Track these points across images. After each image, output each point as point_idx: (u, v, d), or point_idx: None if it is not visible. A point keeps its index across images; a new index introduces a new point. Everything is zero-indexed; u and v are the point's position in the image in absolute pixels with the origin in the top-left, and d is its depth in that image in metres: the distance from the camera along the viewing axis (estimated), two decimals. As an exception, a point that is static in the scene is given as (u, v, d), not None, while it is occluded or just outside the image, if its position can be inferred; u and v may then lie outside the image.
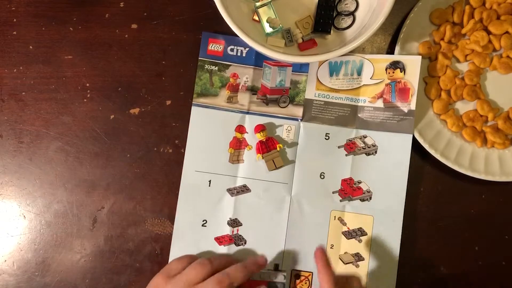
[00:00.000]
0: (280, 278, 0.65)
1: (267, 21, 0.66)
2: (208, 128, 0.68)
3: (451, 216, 0.69)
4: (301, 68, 0.68)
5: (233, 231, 0.67)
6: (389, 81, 0.67)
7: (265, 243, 0.67)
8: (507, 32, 0.68)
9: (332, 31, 0.67)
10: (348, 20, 0.67)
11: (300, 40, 0.67)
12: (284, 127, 0.68)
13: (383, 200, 0.67)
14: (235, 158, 0.68)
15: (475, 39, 0.68)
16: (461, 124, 0.68)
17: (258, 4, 0.66)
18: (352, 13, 0.67)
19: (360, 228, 0.67)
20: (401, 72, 0.66)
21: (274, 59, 0.67)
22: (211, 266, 0.60)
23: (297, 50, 0.67)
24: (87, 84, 0.69)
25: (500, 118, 0.68)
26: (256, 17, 0.67)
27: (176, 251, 0.67)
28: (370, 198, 0.67)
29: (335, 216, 0.67)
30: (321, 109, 0.68)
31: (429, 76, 0.69)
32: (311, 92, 0.68)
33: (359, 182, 0.67)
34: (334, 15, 0.67)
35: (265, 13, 0.66)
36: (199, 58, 0.68)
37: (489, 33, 0.68)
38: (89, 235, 0.68)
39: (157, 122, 0.69)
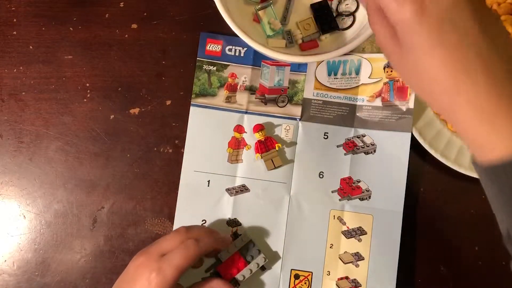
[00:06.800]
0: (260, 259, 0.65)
1: (268, 23, 0.66)
2: (206, 128, 0.68)
3: (451, 216, 0.69)
4: (299, 67, 0.68)
5: (232, 231, 0.67)
6: (387, 79, 0.67)
7: (264, 243, 0.67)
8: (507, 32, 0.68)
9: (332, 31, 0.67)
10: (348, 21, 0.67)
11: (300, 41, 0.67)
12: (283, 126, 0.68)
13: (383, 199, 0.66)
14: (234, 158, 0.68)
15: (475, 39, 0.68)
16: (461, 124, 0.68)
17: (258, 6, 0.66)
18: (352, 14, 0.67)
19: (360, 227, 0.67)
20: (399, 70, 0.66)
21: (275, 59, 0.67)
22: (186, 234, 0.59)
23: (298, 50, 0.67)
24: (87, 84, 0.69)
25: (500, 117, 0.68)
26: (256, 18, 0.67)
27: (175, 251, 0.67)
28: (370, 197, 0.67)
29: (334, 216, 0.67)
30: (320, 108, 0.68)
31: (429, 76, 0.69)
32: (309, 92, 0.68)
33: (358, 181, 0.67)
34: (335, 15, 0.67)
35: (265, 15, 0.66)
36: (197, 58, 0.68)
37: (489, 32, 0.68)
38: (89, 235, 0.68)
39: (157, 122, 0.69)
